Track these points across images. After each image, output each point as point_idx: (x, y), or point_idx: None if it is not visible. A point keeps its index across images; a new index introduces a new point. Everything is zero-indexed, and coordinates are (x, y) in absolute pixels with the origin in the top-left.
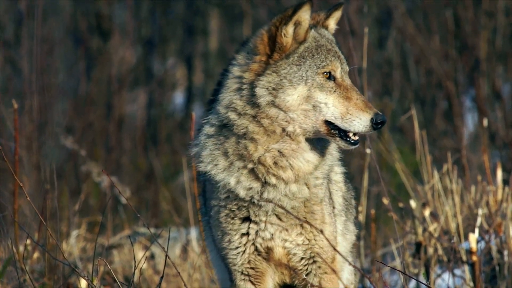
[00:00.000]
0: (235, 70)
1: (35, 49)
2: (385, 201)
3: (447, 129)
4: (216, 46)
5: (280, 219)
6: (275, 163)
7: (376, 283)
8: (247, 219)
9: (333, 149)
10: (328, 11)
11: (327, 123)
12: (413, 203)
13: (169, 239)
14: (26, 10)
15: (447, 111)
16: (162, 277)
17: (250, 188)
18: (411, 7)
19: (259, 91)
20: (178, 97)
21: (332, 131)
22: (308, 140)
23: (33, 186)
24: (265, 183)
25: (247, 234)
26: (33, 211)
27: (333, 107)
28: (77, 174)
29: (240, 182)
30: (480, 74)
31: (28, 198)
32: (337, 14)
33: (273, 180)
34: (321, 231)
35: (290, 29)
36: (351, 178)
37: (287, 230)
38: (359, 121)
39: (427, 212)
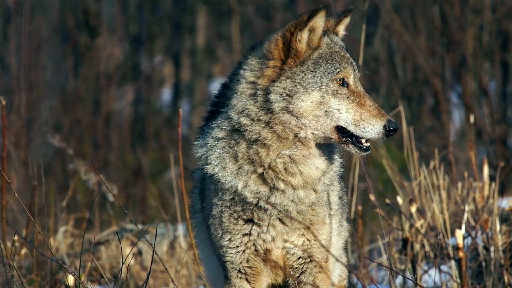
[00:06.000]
0: (248, 75)
1: (23, 45)
2: (372, 197)
3: (434, 125)
4: (204, 43)
5: (283, 223)
6: (285, 169)
7: (363, 279)
8: (250, 220)
9: (337, 154)
10: (338, 18)
11: (338, 129)
12: (400, 199)
13: (156, 235)
14: (14, 7)
15: (434, 108)
16: (149, 273)
17: (258, 192)
18: (398, 4)
19: (273, 97)
20: (166, 94)
21: (344, 138)
22: (318, 146)
23: (21, 182)
24: (273, 188)
25: (249, 234)
26: (20, 207)
27: (346, 113)
28: (64, 170)
29: (247, 186)
30: (466, 71)
31: (16, 194)
32: (346, 20)
33: (281, 186)
34: (318, 235)
35: (305, 35)
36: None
37: (289, 233)
38: (372, 128)
39: (413, 208)
